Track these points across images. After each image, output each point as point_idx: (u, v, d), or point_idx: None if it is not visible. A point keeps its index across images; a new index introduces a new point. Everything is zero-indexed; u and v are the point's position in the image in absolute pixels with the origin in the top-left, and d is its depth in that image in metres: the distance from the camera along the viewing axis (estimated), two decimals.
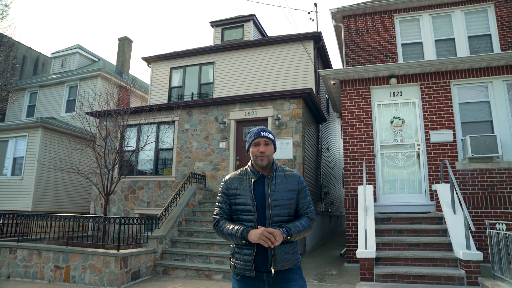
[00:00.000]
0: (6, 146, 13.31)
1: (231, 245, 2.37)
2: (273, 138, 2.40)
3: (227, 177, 2.43)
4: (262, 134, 2.36)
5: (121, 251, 6.75)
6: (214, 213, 2.40)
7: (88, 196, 13.18)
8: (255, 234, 2.12)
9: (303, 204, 2.35)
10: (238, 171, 2.45)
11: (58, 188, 12.99)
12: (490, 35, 9.50)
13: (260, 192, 2.29)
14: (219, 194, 2.43)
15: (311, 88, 10.19)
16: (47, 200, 12.64)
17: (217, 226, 2.34)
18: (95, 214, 10.58)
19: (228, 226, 2.28)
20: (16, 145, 13.13)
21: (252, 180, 2.33)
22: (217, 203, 2.42)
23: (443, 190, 6.95)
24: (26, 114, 16.80)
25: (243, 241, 2.18)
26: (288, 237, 2.17)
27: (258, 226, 2.17)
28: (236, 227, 2.23)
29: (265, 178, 2.34)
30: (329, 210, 13.62)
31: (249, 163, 2.44)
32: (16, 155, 13.04)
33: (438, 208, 7.13)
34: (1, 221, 9.12)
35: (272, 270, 2.18)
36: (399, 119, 8.14)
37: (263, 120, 10.43)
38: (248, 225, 2.23)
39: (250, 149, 2.39)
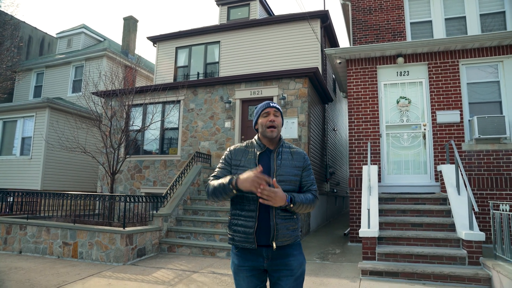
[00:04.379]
0: (15, 126, 13.44)
1: (228, 217, 2.34)
2: (281, 110, 2.39)
3: (232, 147, 2.39)
4: (271, 105, 2.33)
5: (127, 229, 6.85)
6: (211, 175, 2.36)
7: (95, 175, 13.34)
8: (247, 180, 2.02)
9: (307, 182, 2.34)
10: (244, 143, 2.41)
11: (66, 168, 13.16)
12: (504, 12, 9.12)
13: (265, 166, 2.24)
14: (220, 161, 2.38)
15: (317, 67, 10.06)
16: (56, 179, 12.82)
17: (207, 186, 2.30)
18: (102, 193, 10.72)
19: (216, 181, 2.22)
20: (24, 125, 13.25)
21: (258, 153, 2.30)
22: (216, 169, 2.37)
23: (448, 171, 6.90)
24: (33, 94, 16.85)
25: (234, 191, 2.11)
26: (291, 205, 2.14)
27: (274, 180, 2.09)
28: (223, 180, 2.16)
29: (271, 153, 2.31)
30: (334, 191, 13.64)
31: (256, 137, 2.40)
32: (24, 135, 13.16)
33: (443, 189, 7.08)
34: (11, 199, 9.31)
35: (274, 245, 2.18)
36: (406, 99, 8.02)
37: (268, 100, 10.31)
38: (249, 196, 2.19)
39: (259, 121, 2.34)
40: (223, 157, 2.39)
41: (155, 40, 14.30)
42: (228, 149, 2.40)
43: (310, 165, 2.41)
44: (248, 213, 2.23)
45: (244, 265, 2.27)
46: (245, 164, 2.29)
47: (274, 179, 2.11)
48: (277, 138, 2.36)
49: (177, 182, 8.96)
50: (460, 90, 7.64)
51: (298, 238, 2.33)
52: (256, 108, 2.43)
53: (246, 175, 2.06)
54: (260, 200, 2.05)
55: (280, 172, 2.26)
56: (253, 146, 2.37)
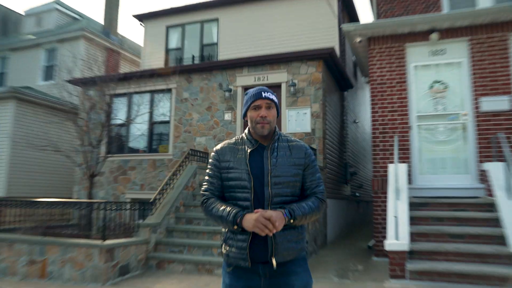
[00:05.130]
0: None
1: (223, 229, 2.33)
2: (276, 100, 2.33)
3: (218, 146, 2.38)
4: (263, 95, 2.27)
5: (107, 242, 6.72)
6: (203, 189, 2.35)
7: (71, 178, 13.16)
8: (250, 220, 2.05)
9: (311, 182, 2.29)
10: (233, 140, 2.39)
11: (36, 170, 13.05)
12: None
13: (258, 166, 2.23)
14: (208, 167, 2.37)
15: (333, 48, 9.90)
16: (24, 184, 12.70)
17: (205, 205, 2.28)
18: (79, 199, 10.59)
19: (218, 206, 2.22)
20: None
21: (248, 151, 2.27)
22: (206, 177, 2.37)
23: (496, 170, 6.69)
24: None
25: (235, 227, 2.12)
26: (291, 221, 2.11)
27: (256, 210, 2.10)
28: (228, 209, 2.17)
29: (265, 150, 2.28)
30: (357, 194, 13.57)
31: (246, 130, 2.38)
32: None
33: (490, 192, 6.81)
34: None
35: (274, 262, 2.13)
36: (441, 84, 7.81)
37: (276, 87, 10.21)
38: (243, 204, 2.18)
39: (248, 114, 2.31)
40: (210, 160, 2.38)
41: (142, 18, 14.21)
42: (214, 150, 2.38)
43: (314, 161, 2.34)
44: None
45: (237, 285, 2.22)
46: (235, 165, 2.26)
47: (259, 210, 2.13)
48: (271, 132, 2.31)
49: (168, 185, 8.86)
50: (510, 71, 7.36)
51: (303, 251, 2.28)
52: (246, 94, 2.36)
53: (249, 216, 2.09)
54: (262, 234, 2.07)
55: (276, 173, 2.20)
56: (243, 142, 2.34)
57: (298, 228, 2.23)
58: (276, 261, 2.13)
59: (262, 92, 2.27)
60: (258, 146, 2.29)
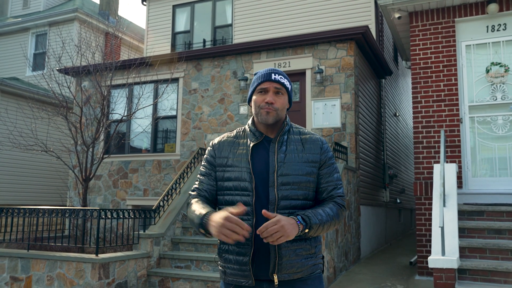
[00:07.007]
0: None
1: (218, 240, 2.22)
2: (288, 85, 2.27)
3: (215, 140, 2.36)
4: (273, 77, 2.22)
5: (101, 256, 6.78)
6: (192, 189, 2.33)
7: (64, 183, 13.33)
8: (213, 223, 1.90)
9: (328, 184, 2.23)
10: (234, 132, 2.37)
11: (23, 174, 13.28)
12: None
13: (263, 163, 2.18)
14: (202, 163, 2.36)
15: (367, 26, 9.78)
16: (9, 189, 12.93)
17: (188, 208, 2.24)
18: (70, 207, 10.67)
19: (194, 207, 2.15)
20: None
21: (251, 145, 2.22)
22: (198, 175, 2.36)
23: None
24: None
25: (202, 231, 2.04)
26: (306, 230, 2.02)
27: (263, 212, 1.95)
28: (200, 210, 2.08)
29: (271, 143, 2.23)
30: (398, 201, 13.53)
31: (249, 121, 2.35)
32: None
33: None
34: None
35: (275, 279, 2.08)
36: (501, 66, 7.59)
37: (300, 74, 10.21)
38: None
39: (253, 98, 2.28)
40: (204, 156, 2.36)
41: None
42: (210, 144, 2.37)
43: (332, 158, 2.28)
44: None
45: None
46: (233, 162, 2.21)
47: (264, 210, 1.96)
48: (280, 122, 2.26)
49: (173, 190, 8.93)
50: None
51: (318, 268, 2.23)
52: (255, 75, 2.29)
53: (217, 217, 1.89)
54: (265, 240, 1.90)
55: (284, 171, 2.13)
56: (246, 135, 2.30)
57: (310, 240, 2.15)
58: (278, 279, 2.07)
59: (272, 74, 2.20)
60: (264, 139, 2.23)
